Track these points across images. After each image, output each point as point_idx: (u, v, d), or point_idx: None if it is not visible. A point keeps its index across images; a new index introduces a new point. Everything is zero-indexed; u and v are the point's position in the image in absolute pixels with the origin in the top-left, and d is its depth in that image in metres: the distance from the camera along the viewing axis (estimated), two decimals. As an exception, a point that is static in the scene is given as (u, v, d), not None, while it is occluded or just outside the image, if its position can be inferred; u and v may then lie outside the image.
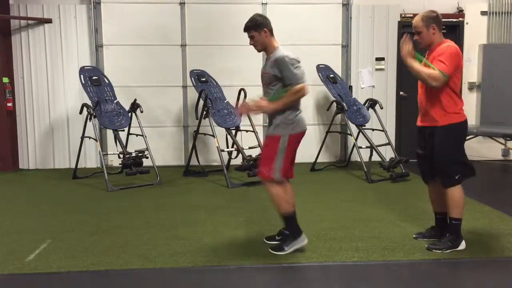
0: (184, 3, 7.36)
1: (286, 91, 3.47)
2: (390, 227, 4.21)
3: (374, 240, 3.87)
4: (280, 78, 3.51)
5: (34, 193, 5.86)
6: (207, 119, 6.47)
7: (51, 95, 7.31)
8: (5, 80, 7.08)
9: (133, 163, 6.00)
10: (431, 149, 3.64)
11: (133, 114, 6.51)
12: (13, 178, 6.82)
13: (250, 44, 3.71)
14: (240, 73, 7.42)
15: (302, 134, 3.64)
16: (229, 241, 3.90)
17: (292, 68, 3.47)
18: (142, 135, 6.45)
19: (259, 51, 3.73)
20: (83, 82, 6.41)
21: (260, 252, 3.63)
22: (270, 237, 3.89)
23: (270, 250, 3.64)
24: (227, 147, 6.69)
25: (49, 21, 7.19)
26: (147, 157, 6.25)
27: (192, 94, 7.24)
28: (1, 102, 7.04)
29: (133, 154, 6.08)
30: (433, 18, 3.56)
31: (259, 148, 6.56)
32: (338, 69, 7.59)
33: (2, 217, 4.71)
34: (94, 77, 6.52)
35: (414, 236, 3.91)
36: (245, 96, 6.66)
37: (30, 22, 7.22)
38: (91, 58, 7.27)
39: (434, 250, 3.61)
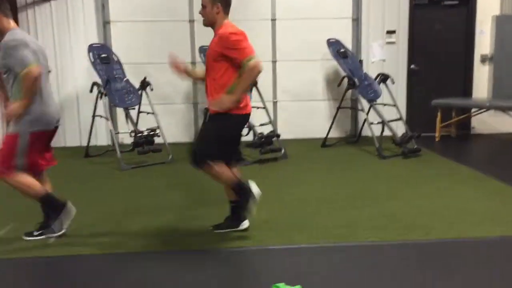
0: (191, -23, 7.23)
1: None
2: (404, 206, 4.22)
3: (388, 219, 3.87)
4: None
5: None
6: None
7: (59, 72, 7.26)
8: (13, 58, 7.03)
9: (144, 142, 6.01)
10: None
11: (143, 92, 6.49)
12: (25, 157, 6.84)
13: None
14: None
15: (46, 132, 3.45)
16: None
17: (18, 52, 3.19)
18: (152, 113, 6.44)
19: None
20: (92, 60, 6.36)
21: (276, 232, 3.65)
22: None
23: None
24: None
25: (55, -3, 7.10)
26: (158, 136, 6.24)
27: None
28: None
29: (145, 133, 6.07)
30: None
31: (270, 125, 6.54)
32: (348, 43, 7.47)
33: (12, 197, 4.74)
34: (103, 55, 6.46)
35: (210, 227, 3.72)
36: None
37: (36, -1, 7.13)
38: (99, 35, 7.20)
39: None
